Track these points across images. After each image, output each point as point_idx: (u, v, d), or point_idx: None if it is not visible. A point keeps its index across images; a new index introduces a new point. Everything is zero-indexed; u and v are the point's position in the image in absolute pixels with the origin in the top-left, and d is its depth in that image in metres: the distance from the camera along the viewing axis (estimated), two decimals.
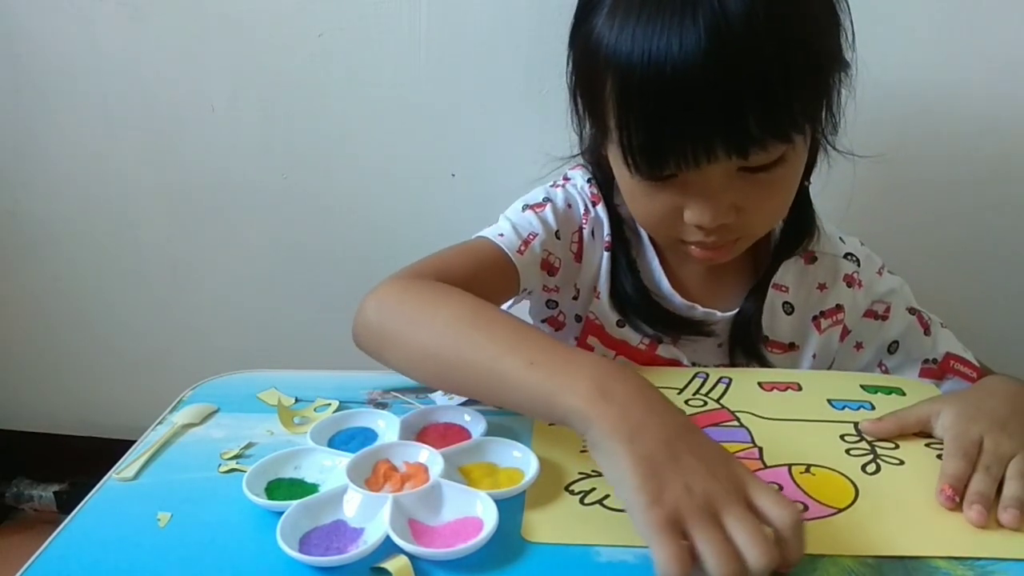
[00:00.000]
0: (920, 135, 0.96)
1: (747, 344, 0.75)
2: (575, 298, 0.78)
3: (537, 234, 0.73)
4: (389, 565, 0.44)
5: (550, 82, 0.98)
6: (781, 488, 0.52)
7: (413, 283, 0.63)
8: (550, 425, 0.60)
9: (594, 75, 0.61)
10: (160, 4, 1.05)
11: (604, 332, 0.77)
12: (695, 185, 0.61)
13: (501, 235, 0.72)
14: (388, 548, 0.45)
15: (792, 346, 0.77)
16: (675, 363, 0.76)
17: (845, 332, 0.78)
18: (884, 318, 0.78)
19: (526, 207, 0.75)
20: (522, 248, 0.72)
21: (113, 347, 1.29)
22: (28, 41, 1.09)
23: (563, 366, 0.49)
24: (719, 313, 0.74)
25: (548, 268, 0.75)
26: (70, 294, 1.26)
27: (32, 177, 1.18)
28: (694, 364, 0.76)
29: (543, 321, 0.82)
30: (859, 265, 0.78)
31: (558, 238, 0.74)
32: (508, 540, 0.47)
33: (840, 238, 0.79)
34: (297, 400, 0.64)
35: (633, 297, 0.74)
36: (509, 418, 0.60)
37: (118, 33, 1.07)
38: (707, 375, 0.68)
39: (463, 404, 0.62)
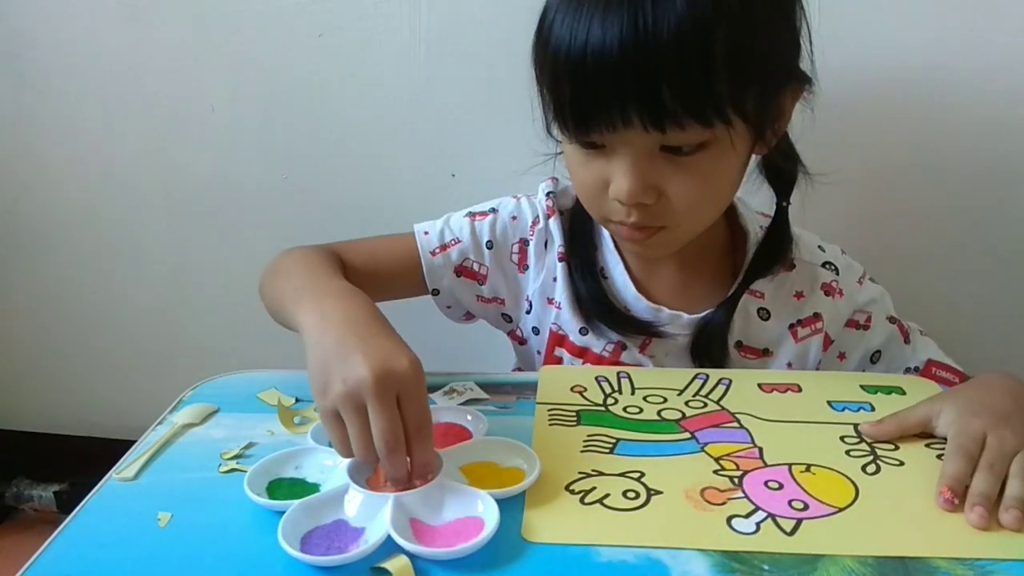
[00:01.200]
0: (917, 134, 0.96)
1: (711, 352, 0.74)
2: (528, 311, 0.80)
3: (459, 242, 0.78)
4: (389, 565, 0.44)
5: None
6: (781, 487, 0.52)
7: (301, 248, 0.73)
8: (551, 426, 0.60)
9: (539, 46, 0.64)
10: (160, 4, 1.04)
11: (568, 341, 0.77)
12: (618, 157, 0.62)
13: (426, 233, 0.79)
14: (389, 548, 0.45)
15: (766, 352, 0.76)
16: None
17: (828, 341, 0.77)
18: (865, 328, 0.78)
19: (469, 213, 0.80)
20: (437, 251, 0.78)
21: (113, 347, 1.29)
22: (28, 41, 1.09)
23: (312, 295, 0.60)
24: (686, 316, 0.74)
25: (470, 276, 0.79)
26: (70, 294, 1.26)
27: (32, 177, 1.18)
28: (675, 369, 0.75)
29: (508, 335, 0.85)
30: (838, 274, 0.78)
31: (489, 248, 0.78)
32: (508, 540, 0.47)
33: (819, 246, 0.79)
34: (297, 400, 0.64)
35: (591, 301, 0.75)
36: (511, 418, 0.60)
37: (118, 33, 1.07)
38: (707, 376, 0.68)
39: (464, 404, 0.62)
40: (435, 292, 0.80)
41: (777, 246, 0.76)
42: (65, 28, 1.08)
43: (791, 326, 0.76)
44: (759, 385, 0.67)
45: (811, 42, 0.66)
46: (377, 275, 0.76)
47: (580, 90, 0.60)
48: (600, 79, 0.58)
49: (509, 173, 0.93)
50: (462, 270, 0.79)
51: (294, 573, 0.45)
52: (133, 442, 0.59)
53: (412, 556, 0.45)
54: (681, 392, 0.65)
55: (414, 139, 1.05)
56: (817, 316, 0.76)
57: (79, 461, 1.01)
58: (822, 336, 0.76)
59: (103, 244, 1.21)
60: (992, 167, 0.96)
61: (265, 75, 1.06)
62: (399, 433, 0.49)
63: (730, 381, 0.67)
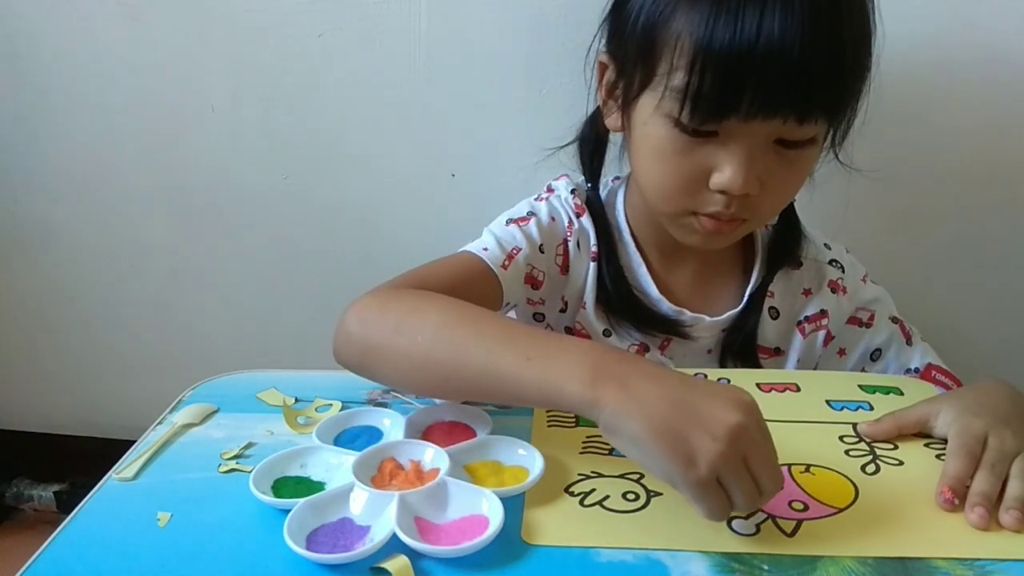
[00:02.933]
0: (919, 135, 0.96)
1: (743, 351, 0.74)
2: (563, 311, 0.79)
3: (521, 249, 0.73)
4: (389, 565, 0.44)
5: (550, 82, 0.98)
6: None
7: (394, 292, 0.62)
8: (549, 427, 0.60)
9: (659, 23, 0.62)
10: (160, 4, 1.04)
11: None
12: (734, 146, 0.61)
13: (485, 249, 0.72)
14: (395, 546, 0.45)
15: (777, 351, 0.77)
16: None
17: (829, 337, 0.78)
18: (868, 325, 0.78)
19: (510, 221, 0.75)
20: (506, 263, 0.72)
21: (113, 347, 1.29)
22: (28, 41, 1.09)
23: (558, 356, 0.50)
24: (708, 318, 0.74)
25: (532, 282, 0.75)
26: (70, 294, 1.25)
27: (32, 177, 1.18)
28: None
29: None
30: (843, 271, 0.78)
31: (542, 252, 0.75)
32: (509, 542, 0.47)
33: (825, 244, 0.80)
34: (297, 400, 0.64)
35: (619, 300, 0.75)
36: (510, 417, 0.60)
37: (118, 33, 1.06)
38: (705, 376, 0.68)
39: (467, 403, 0.62)
40: (505, 305, 0.74)
41: (792, 232, 0.77)
42: (65, 28, 1.07)
43: (799, 323, 0.77)
44: (757, 385, 0.67)
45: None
46: None
47: (734, 78, 0.58)
48: (767, 70, 0.57)
49: (509, 173, 0.93)
50: (528, 277, 0.75)
51: (295, 572, 0.45)
52: (133, 442, 0.59)
53: (417, 554, 0.45)
54: None
55: (414, 139, 1.05)
56: (823, 312, 0.77)
57: (79, 461, 1.01)
58: (824, 331, 0.77)
59: (103, 244, 1.21)
60: (994, 167, 0.96)
61: (265, 75, 1.06)
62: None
63: (728, 381, 0.67)
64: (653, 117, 0.64)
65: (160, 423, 0.61)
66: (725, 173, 0.62)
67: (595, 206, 0.77)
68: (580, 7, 0.93)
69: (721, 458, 0.43)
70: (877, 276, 0.82)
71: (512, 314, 0.79)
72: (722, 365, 0.76)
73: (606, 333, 0.76)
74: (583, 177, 0.80)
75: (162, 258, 1.20)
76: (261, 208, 1.13)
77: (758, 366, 0.76)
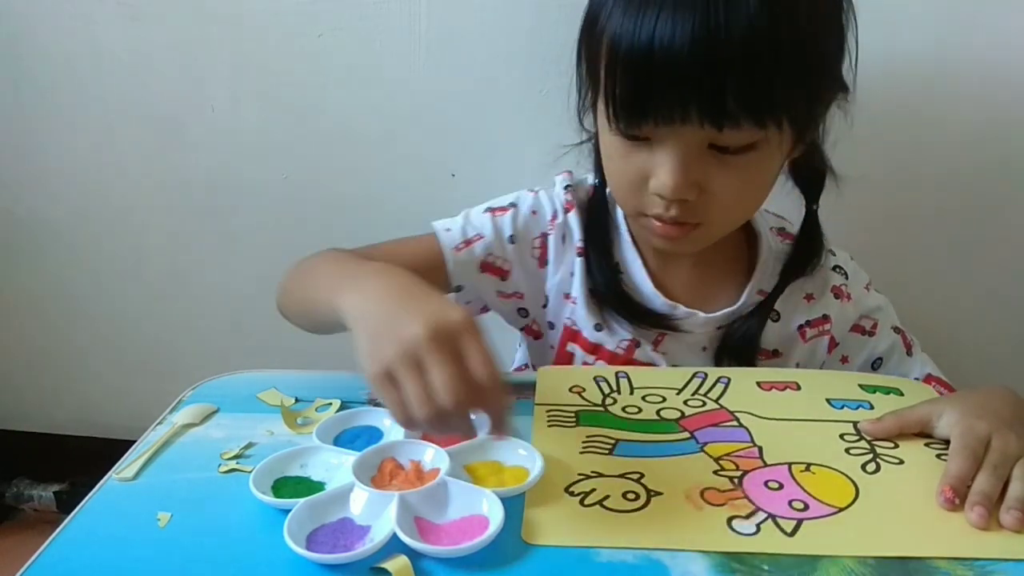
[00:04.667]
0: (918, 135, 0.96)
1: (741, 352, 0.74)
2: (545, 305, 0.79)
3: (483, 237, 0.76)
4: (389, 565, 0.44)
5: (550, 82, 0.98)
6: (781, 487, 0.52)
7: (327, 249, 0.70)
8: (549, 427, 0.60)
9: (594, 30, 0.64)
10: (160, 4, 1.04)
11: (582, 337, 0.77)
12: (665, 151, 0.62)
13: (448, 229, 0.76)
14: (394, 546, 0.46)
15: (776, 353, 0.77)
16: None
17: (833, 344, 0.78)
18: (871, 334, 0.79)
19: (488, 209, 0.78)
20: (461, 246, 0.75)
21: (113, 347, 1.29)
22: (28, 41, 1.09)
23: (348, 278, 0.57)
24: (702, 314, 0.74)
25: (494, 272, 0.77)
26: (70, 294, 1.25)
27: (32, 177, 1.18)
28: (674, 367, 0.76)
29: (521, 330, 0.84)
30: (847, 278, 0.79)
31: (511, 242, 0.76)
32: (509, 542, 0.47)
33: (830, 250, 0.80)
34: (297, 400, 0.64)
35: (608, 293, 0.75)
36: (514, 417, 0.60)
37: (118, 33, 1.06)
38: (706, 375, 0.68)
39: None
40: (458, 289, 0.78)
41: (812, 244, 0.77)
42: (65, 29, 1.07)
43: (800, 327, 0.76)
44: (758, 383, 0.67)
45: (857, 50, 0.66)
46: None
47: (640, 82, 0.59)
48: (664, 73, 0.58)
49: (509, 173, 0.93)
50: (486, 266, 0.77)
51: (295, 572, 0.45)
52: (133, 442, 0.59)
53: (417, 554, 0.45)
54: (680, 391, 0.65)
55: (414, 139, 1.05)
56: (826, 318, 0.77)
57: (79, 461, 1.01)
58: (828, 337, 0.77)
59: (103, 244, 1.21)
60: (990, 169, 0.96)
61: (265, 75, 1.06)
62: (469, 385, 0.46)
63: (729, 379, 0.67)
64: (601, 123, 0.66)
65: (160, 423, 0.61)
66: (659, 177, 0.63)
67: (596, 203, 0.78)
68: (580, 7, 0.93)
69: (395, 357, 0.47)
70: (874, 280, 0.82)
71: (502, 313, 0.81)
72: (718, 363, 0.76)
73: (597, 327, 0.76)
74: (591, 174, 0.80)
75: (162, 258, 1.20)
76: (261, 208, 1.13)
77: (754, 366, 0.75)
